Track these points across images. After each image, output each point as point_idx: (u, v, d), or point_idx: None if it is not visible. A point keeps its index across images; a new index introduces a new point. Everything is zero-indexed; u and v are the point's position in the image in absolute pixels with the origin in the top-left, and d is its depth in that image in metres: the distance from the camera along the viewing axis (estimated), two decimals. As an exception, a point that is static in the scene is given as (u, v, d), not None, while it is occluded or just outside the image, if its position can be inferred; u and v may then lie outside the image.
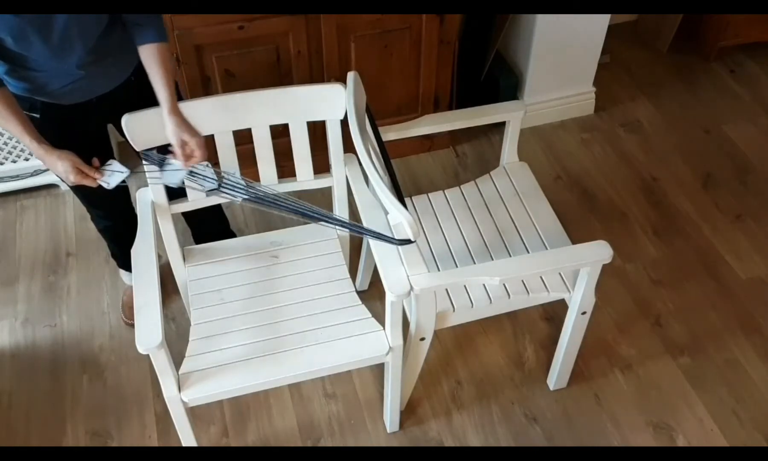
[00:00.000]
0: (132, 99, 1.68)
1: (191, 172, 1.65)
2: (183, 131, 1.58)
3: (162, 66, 1.59)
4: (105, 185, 1.64)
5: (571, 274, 1.85)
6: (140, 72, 1.66)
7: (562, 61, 2.77)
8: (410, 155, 2.80)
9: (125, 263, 2.29)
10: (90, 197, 1.96)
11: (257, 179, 1.82)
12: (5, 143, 2.49)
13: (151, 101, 1.62)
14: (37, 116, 1.67)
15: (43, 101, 1.66)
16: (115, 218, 2.08)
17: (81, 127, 1.75)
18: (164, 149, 1.73)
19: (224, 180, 1.71)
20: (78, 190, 1.86)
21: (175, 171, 1.64)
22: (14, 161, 2.55)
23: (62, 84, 1.63)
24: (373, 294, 2.28)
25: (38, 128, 1.62)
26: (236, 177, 1.73)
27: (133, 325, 2.25)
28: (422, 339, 1.81)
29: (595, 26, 2.71)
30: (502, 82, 2.80)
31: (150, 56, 1.60)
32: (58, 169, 1.60)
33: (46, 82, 1.61)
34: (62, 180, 1.65)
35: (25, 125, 1.58)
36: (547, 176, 2.73)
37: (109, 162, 1.66)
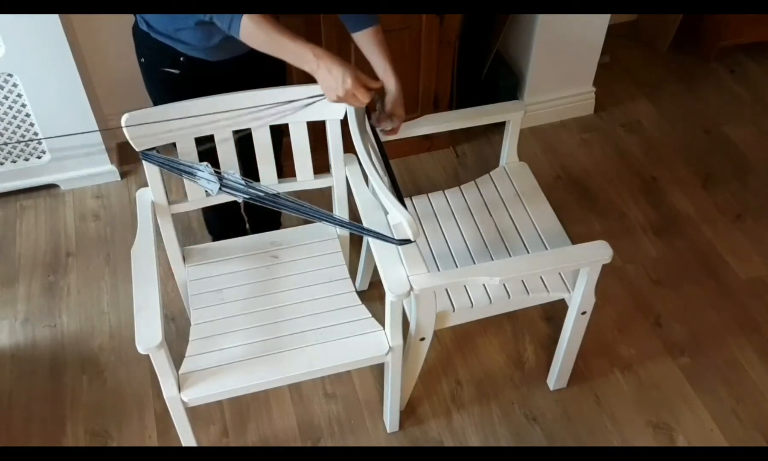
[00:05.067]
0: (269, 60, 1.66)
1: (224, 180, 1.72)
2: (398, 105, 1.75)
3: (380, 47, 1.72)
4: (210, 192, 1.72)
5: (571, 274, 1.85)
6: None
7: (562, 61, 2.77)
8: (410, 155, 2.80)
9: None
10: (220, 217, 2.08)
11: (257, 178, 1.82)
12: (5, 143, 2.49)
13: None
14: (178, 72, 1.73)
15: (188, 56, 1.71)
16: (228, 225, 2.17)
17: (224, 86, 1.76)
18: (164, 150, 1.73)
19: (224, 180, 1.71)
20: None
21: (210, 182, 1.72)
22: (14, 161, 2.55)
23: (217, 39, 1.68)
24: (373, 294, 2.27)
25: (176, 85, 1.70)
26: (236, 177, 1.73)
27: None
28: (422, 339, 1.81)
29: (595, 26, 2.71)
30: (502, 82, 2.80)
31: (366, 42, 1.72)
32: (334, 71, 1.52)
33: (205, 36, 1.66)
34: (329, 90, 1.57)
35: (293, 33, 1.54)
36: (547, 176, 2.73)
37: (203, 166, 1.71)
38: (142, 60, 1.81)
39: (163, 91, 1.76)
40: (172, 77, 1.76)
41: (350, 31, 1.75)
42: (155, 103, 1.89)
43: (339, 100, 1.58)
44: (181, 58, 1.73)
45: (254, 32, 1.53)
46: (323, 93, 1.62)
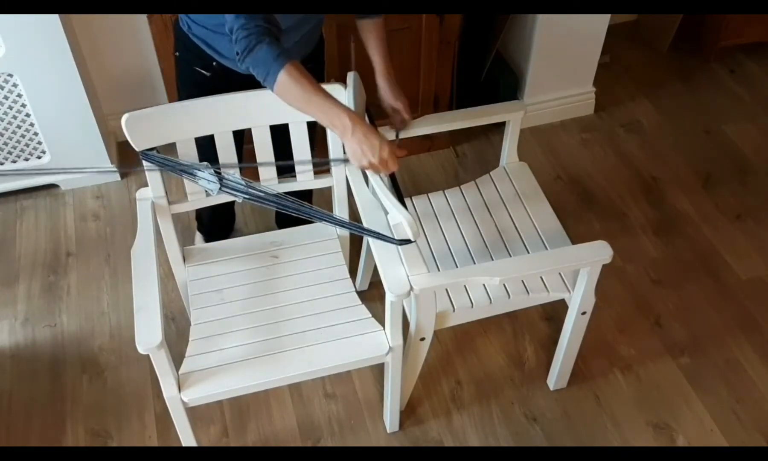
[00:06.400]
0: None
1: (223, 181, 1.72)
2: (389, 95, 1.80)
3: (377, 36, 1.79)
4: (210, 192, 1.73)
5: (571, 274, 1.85)
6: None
7: (562, 61, 2.77)
8: (410, 155, 2.80)
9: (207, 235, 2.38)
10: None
11: (257, 179, 1.82)
12: (5, 143, 2.48)
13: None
14: (208, 74, 1.76)
15: (220, 63, 1.75)
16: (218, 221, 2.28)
17: None
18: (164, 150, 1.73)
19: (224, 180, 1.71)
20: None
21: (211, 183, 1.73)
22: (14, 161, 2.55)
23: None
24: (373, 294, 2.27)
25: (204, 86, 1.72)
26: (236, 177, 1.73)
27: None
28: (422, 339, 1.81)
29: (595, 26, 2.71)
30: (502, 82, 2.80)
31: (368, 28, 1.79)
32: (371, 139, 1.51)
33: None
34: (360, 156, 1.53)
35: (328, 93, 1.53)
36: (547, 176, 2.73)
37: (203, 166, 1.71)
38: (177, 54, 1.83)
39: (191, 87, 1.78)
40: (202, 77, 1.79)
41: (356, 17, 1.82)
42: (180, 96, 1.93)
43: (369, 166, 1.55)
44: (214, 63, 1.76)
45: (290, 87, 1.50)
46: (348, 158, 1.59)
